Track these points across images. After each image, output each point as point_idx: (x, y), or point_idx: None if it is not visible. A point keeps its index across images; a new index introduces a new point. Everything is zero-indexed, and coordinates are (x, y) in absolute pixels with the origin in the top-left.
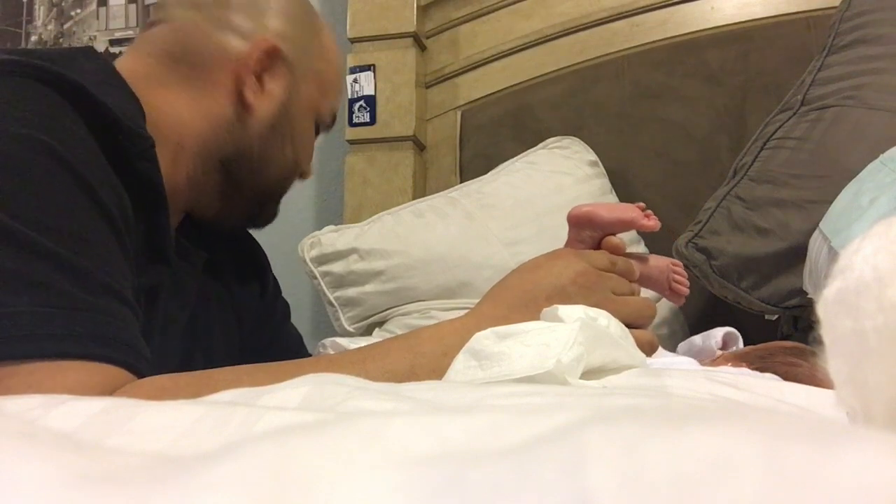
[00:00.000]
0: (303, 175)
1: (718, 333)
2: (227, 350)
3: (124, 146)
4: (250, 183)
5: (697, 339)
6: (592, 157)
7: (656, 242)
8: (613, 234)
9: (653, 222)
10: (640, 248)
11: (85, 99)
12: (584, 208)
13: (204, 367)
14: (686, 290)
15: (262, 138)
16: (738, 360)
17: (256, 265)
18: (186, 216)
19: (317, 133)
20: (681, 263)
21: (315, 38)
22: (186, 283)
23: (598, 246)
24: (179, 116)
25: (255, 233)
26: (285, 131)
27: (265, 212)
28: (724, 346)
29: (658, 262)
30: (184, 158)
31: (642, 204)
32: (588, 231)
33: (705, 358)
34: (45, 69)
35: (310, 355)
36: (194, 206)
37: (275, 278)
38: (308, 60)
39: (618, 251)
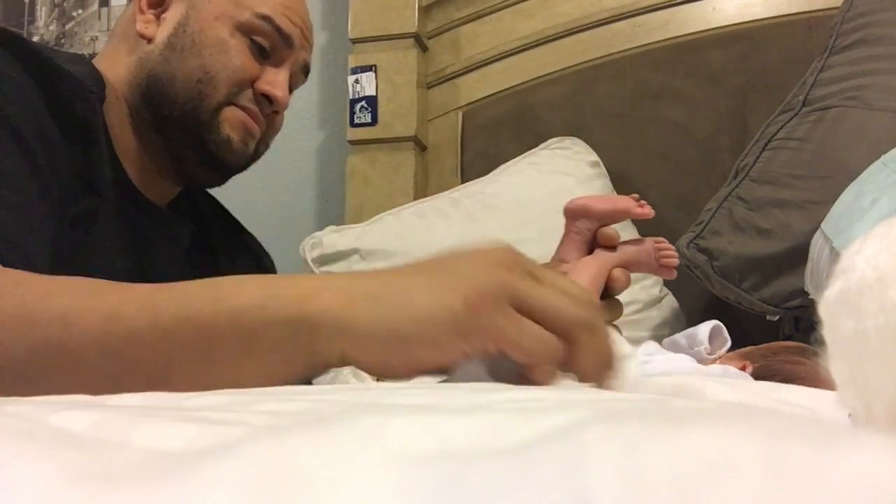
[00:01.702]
0: (270, 99)
1: (703, 336)
2: None
3: (59, 89)
4: (166, 103)
5: (681, 339)
6: (594, 157)
7: None
8: (608, 225)
9: (646, 210)
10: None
11: (23, 47)
12: (579, 201)
13: None
14: (676, 262)
15: (164, 58)
16: (742, 358)
17: (259, 267)
18: (179, 196)
19: (266, 54)
20: (662, 239)
21: None
22: (154, 242)
23: (594, 237)
24: (116, 77)
25: (256, 233)
26: (185, 45)
27: (209, 140)
28: (711, 345)
29: (643, 244)
30: (125, 111)
31: (636, 195)
32: (584, 222)
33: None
34: None
35: None
36: (158, 165)
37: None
38: None
39: (612, 241)
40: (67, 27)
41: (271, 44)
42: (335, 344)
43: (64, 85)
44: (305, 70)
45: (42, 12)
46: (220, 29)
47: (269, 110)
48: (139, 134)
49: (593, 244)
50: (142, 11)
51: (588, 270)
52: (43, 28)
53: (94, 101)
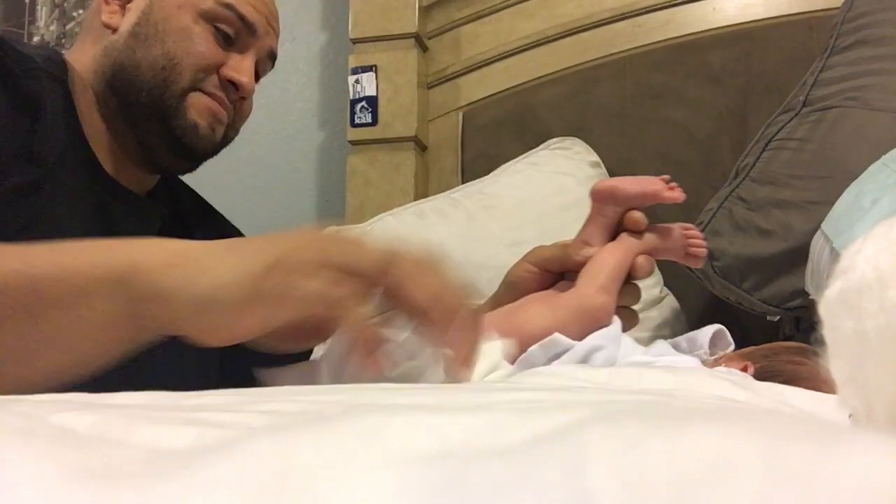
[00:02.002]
0: (236, 86)
1: (704, 340)
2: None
3: (9, 66)
4: (131, 91)
5: (682, 342)
6: (594, 157)
7: None
8: (636, 209)
9: (677, 194)
10: None
11: None
12: (607, 183)
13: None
14: (704, 252)
15: (128, 46)
16: (743, 358)
17: None
18: (158, 186)
19: (230, 41)
20: (691, 226)
21: None
22: (124, 224)
23: (620, 221)
24: (83, 67)
25: (256, 234)
26: (149, 33)
27: (175, 126)
28: (713, 349)
29: (670, 231)
30: (93, 100)
31: (667, 176)
32: (611, 206)
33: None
34: None
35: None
36: (129, 153)
37: None
38: None
39: (638, 226)
40: (68, 27)
41: (235, 31)
42: (155, 309)
43: (12, 62)
44: (272, 56)
45: (42, 12)
46: (184, 17)
47: (236, 96)
48: (107, 122)
49: (619, 228)
50: (107, 2)
51: (613, 257)
52: (43, 28)
53: (44, 78)
